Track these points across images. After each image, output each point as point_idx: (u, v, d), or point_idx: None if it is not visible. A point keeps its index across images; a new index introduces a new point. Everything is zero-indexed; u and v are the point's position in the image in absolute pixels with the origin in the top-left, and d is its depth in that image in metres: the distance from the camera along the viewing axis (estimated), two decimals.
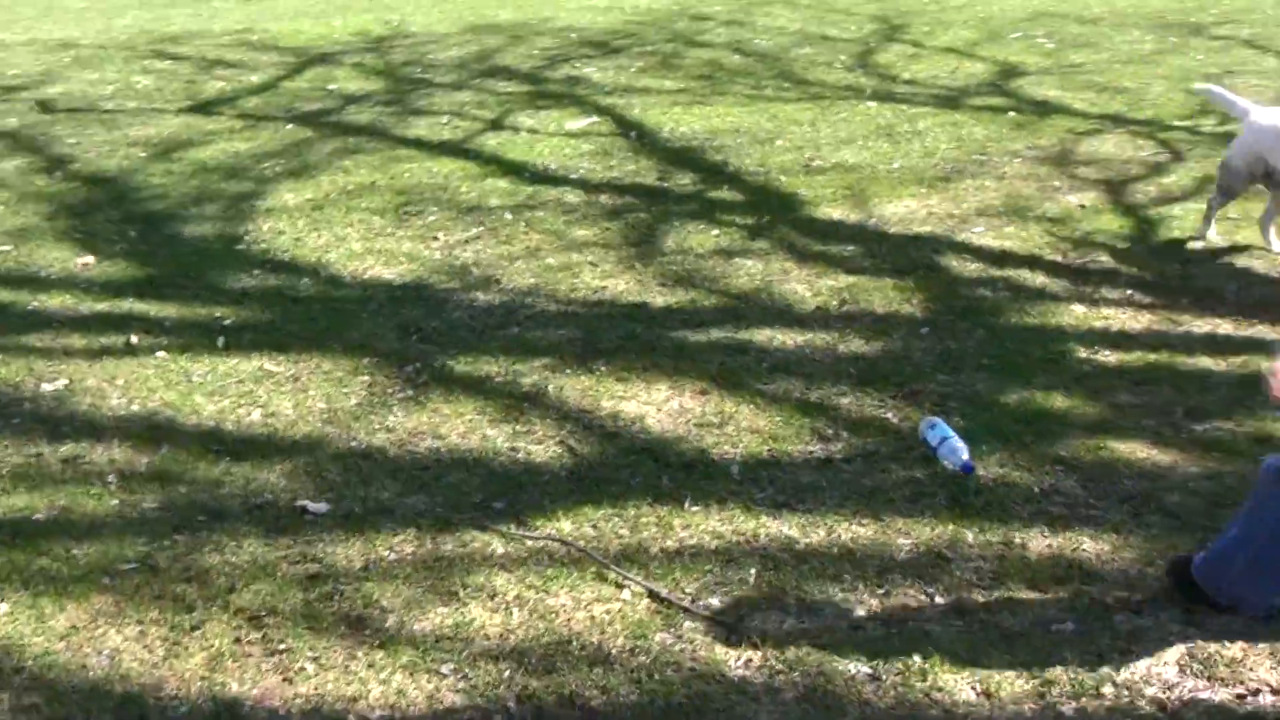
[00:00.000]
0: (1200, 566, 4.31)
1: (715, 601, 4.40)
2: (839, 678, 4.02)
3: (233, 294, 7.24)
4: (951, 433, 5.26)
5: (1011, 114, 10.54)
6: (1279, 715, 3.85)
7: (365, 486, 5.21)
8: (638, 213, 8.43)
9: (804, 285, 7.13)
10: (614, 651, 4.17)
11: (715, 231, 8.01)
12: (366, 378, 6.15)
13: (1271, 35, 13.21)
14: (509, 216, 8.40)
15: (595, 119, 10.86)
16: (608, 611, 4.36)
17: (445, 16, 16.30)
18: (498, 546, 4.76)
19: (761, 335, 6.51)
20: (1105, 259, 7.35)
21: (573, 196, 8.80)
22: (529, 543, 4.77)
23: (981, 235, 7.80)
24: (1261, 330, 6.34)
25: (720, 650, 4.15)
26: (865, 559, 4.62)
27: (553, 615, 4.35)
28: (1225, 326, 6.40)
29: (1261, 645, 4.11)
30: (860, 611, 4.32)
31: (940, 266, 7.36)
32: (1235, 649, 4.09)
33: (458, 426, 5.67)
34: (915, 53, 13.16)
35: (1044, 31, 13.85)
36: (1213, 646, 4.11)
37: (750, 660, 4.10)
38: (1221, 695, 3.92)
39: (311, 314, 6.94)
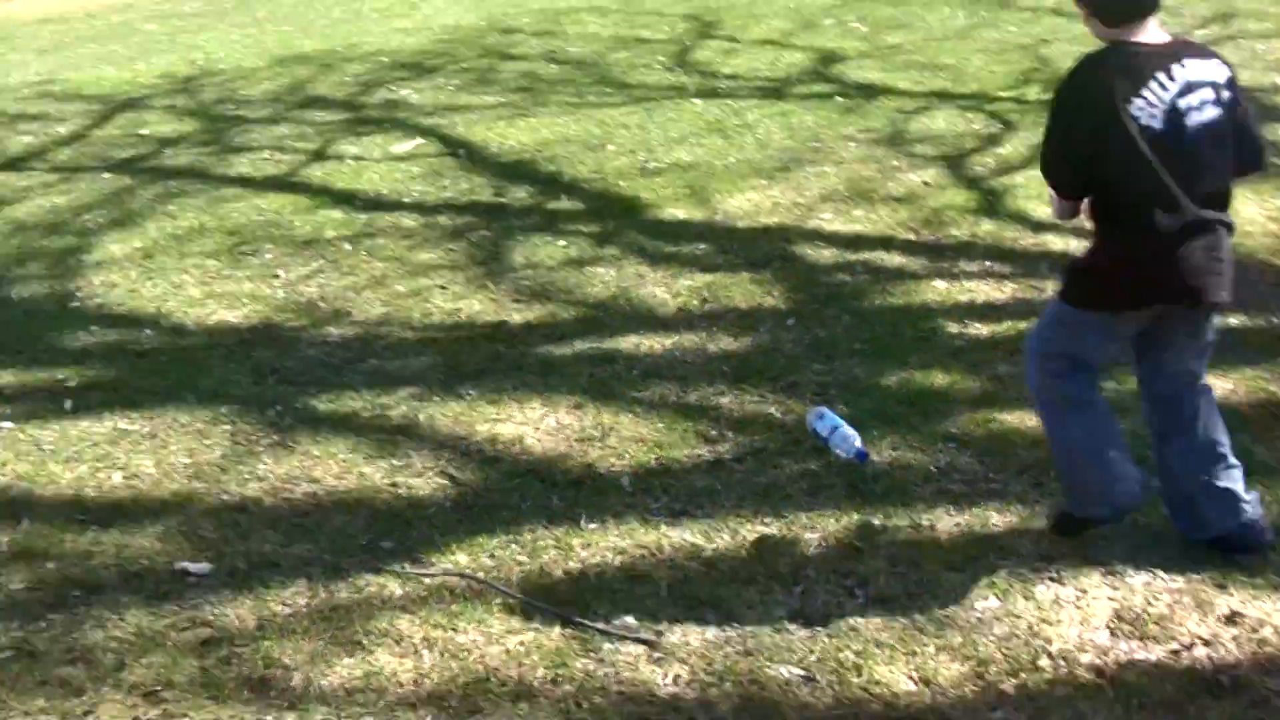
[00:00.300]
0: (1068, 501, 4.47)
1: (631, 620, 4.25)
2: (773, 684, 3.90)
3: (73, 353, 6.91)
4: (840, 421, 5.16)
5: (838, 99, 10.55)
6: (1215, 667, 3.82)
7: (245, 540, 4.95)
8: (480, 231, 8.25)
9: (661, 288, 7.02)
10: (536, 684, 4.00)
11: (562, 242, 7.86)
12: (228, 426, 5.88)
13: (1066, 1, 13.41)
14: (348, 247, 8.16)
15: (420, 140, 10.64)
16: (522, 643, 4.19)
17: (250, 51, 15.91)
18: (395, 588, 4.55)
19: (627, 343, 6.38)
20: (958, 233, 7.36)
21: (410, 220, 8.58)
22: (427, 580, 4.58)
23: (831, 221, 7.77)
24: None
25: (646, 670, 4.01)
26: (776, 558, 4.51)
27: (465, 653, 4.17)
28: None
29: (1186, 600, 4.10)
30: (781, 612, 4.21)
31: (795, 256, 7.30)
32: (1161, 605, 4.08)
33: (331, 468, 5.45)
34: (732, 47, 13.13)
35: (856, 15, 13.90)
36: (1139, 605, 4.08)
37: (679, 676, 3.96)
38: (1157, 654, 3.89)
39: (159, 366, 6.63)
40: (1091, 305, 4.20)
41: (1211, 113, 3.94)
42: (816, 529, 4.65)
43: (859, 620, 4.13)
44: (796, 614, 4.19)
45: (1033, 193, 7.80)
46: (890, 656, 3.95)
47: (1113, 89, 3.86)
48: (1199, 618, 4.01)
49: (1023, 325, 6.09)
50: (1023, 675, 3.83)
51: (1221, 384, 5.44)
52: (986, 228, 7.38)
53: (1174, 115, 3.88)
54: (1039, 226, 7.31)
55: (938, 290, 6.59)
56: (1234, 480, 4.29)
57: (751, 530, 4.69)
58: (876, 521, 4.66)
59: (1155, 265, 4.01)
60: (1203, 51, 4.02)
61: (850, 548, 4.53)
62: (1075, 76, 3.99)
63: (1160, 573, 4.23)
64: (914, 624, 4.09)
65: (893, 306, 6.45)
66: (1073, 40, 11.55)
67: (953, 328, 6.15)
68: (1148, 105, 3.86)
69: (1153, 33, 3.95)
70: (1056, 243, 7.06)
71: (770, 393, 5.72)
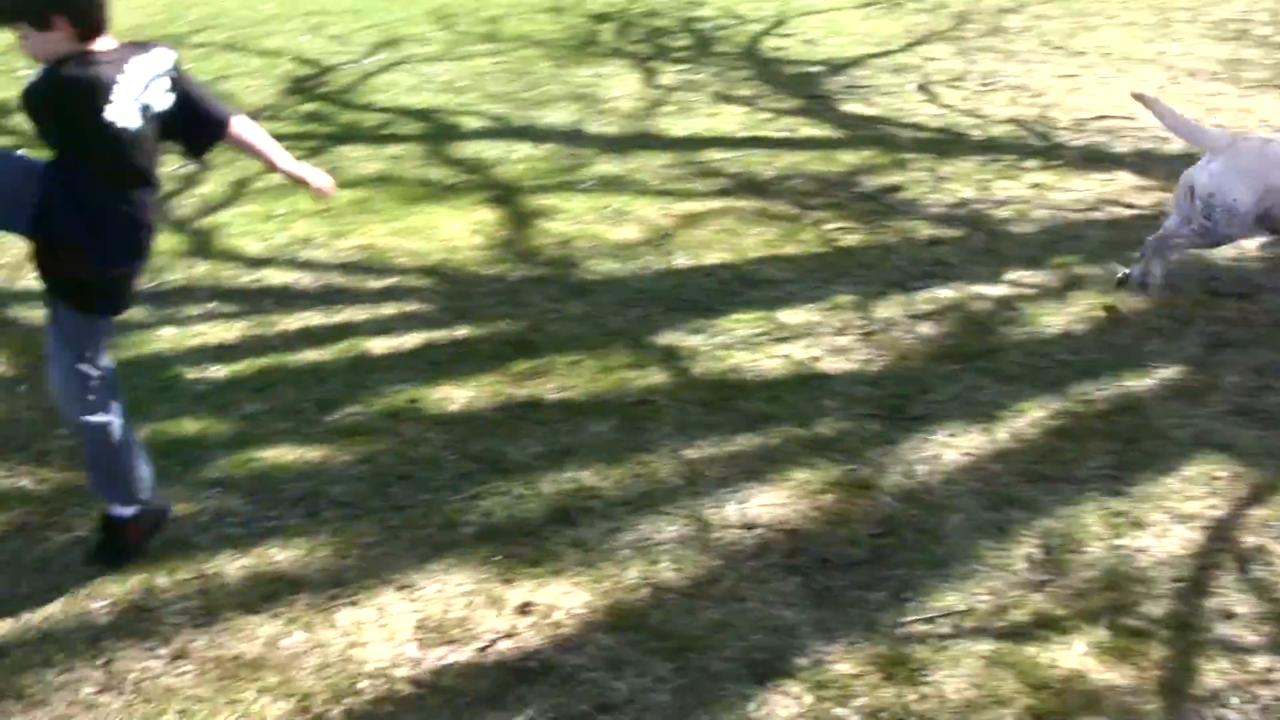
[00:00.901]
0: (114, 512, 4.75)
1: None
2: None
3: None
4: None
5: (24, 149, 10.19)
6: (521, 655, 4.17)
7: None
8: None
9: None
10: None
11: None
12: None
13: (248, 36, 13.65)
14: None
15: None
16: None
17: None
18: None
19: None
20: (175, 278, 7.39)
21: None
22: None
23: (38, 279, 7.56)
24: (350, 315, 6.69)
25: None
26: (70, 635, 4.42)
27: None
28: (315, 318, 6.67)
29: (479, 599, 4.44)
30: (89, 688, 4.15)
31: (10, 319, 7.08)
32: (458, 609, 4.39)
33: None
34: None
35: None
36: (438, 613, 4.37)
37: None
38: (466, 654, 4.18)
39: None
40: (107, 310, 4.58)
41: (169, 98, 4.32)
42: (103, 597, 4.60)
43: (171, 680, 4.16)
44: (105, 686, 4.16)
45: (240, 229, 7.97)
46: (212, 710, 4.01)
47: (91, 95, 4.05)
48: (495, 614, 4.36)
49: (261, 361, 6.27)
50: (346, 701, 4.01)
51: (463, 393, 5.86)
52: (203, 269, 7.46)
53: (143, 110, 4.19)
54: (255, 262, 7.49)
55: (167, 337, 6.61)
56: None
57: (40, 611, 4.57)
58: (163, 579, 4.67)
59: (140, 256, 4.46)
60: (147, 47, 4.29)
61: (142, 610, 4.52)
62: (52, 86, 4.11)
63: (449, 578, 4.54)
64: (225, 673, 4.16)
65: (127, 359, 6.38)
66: (250, 74, 11.82)
67: (191, 374, 6.21)
68: (119, 105, 4.09)
69: (109, 41, 4.21)
70: (275, 276, 7.27)
71: (19, 464, 5.55)
